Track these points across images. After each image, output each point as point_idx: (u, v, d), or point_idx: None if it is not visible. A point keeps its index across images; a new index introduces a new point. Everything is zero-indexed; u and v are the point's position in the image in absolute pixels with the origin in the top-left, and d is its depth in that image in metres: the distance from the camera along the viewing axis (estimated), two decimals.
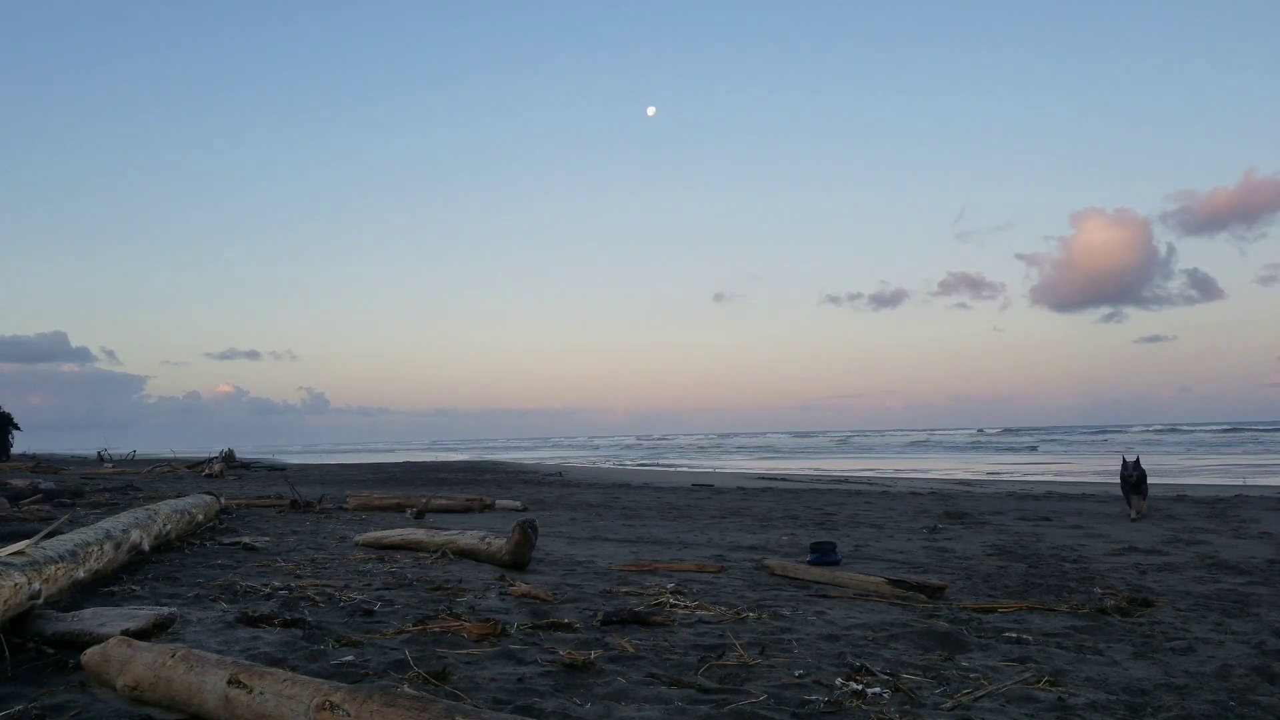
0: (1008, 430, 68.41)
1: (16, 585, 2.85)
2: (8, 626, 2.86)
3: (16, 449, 28.02)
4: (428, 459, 38.91)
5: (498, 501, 10.53)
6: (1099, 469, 23.48)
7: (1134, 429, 65.25)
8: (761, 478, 19.67)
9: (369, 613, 3.67)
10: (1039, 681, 2.74)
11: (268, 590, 4.15)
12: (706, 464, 31.89)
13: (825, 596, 4.36)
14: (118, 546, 4.29)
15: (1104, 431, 59.16)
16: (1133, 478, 8.86)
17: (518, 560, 5.12)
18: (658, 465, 31.75)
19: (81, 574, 3.60)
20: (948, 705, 2.48)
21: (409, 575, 4.75)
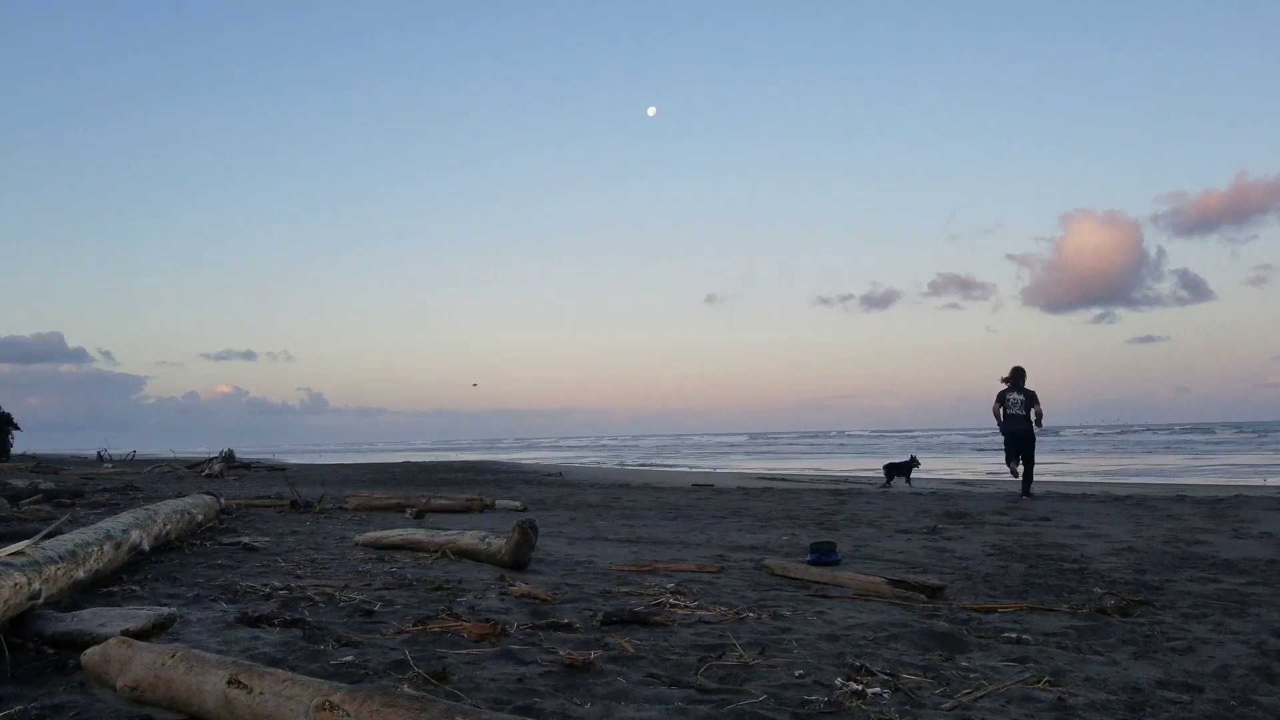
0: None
1: (17, 585, 2.85)
2: (8, 627, 2.86)
3: (16, 449, 28.00)
4: (427, 459, 38.89)
5: (498, 501, 10.52)
6: (1098, 468, 23.47)
7: (1133, 428, 65.29)
8: (761, 478, 19.67)
9: (369, 613, 3.67)
10: (1039, 681, 2.74)
11: (268, 590, 4.16)
12: (706, 464, 31.88)
13: (825, 596, 4.36)
14: (118, 547, 4.29)
15: (1103, 432, 59.14)
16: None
17: (518, 560, 5.12)
18: (657, 465, 31.74)
19: (81, 574, 3.60)
20: (948, 705, 2.48)
21: (409, 575, 4.74)
